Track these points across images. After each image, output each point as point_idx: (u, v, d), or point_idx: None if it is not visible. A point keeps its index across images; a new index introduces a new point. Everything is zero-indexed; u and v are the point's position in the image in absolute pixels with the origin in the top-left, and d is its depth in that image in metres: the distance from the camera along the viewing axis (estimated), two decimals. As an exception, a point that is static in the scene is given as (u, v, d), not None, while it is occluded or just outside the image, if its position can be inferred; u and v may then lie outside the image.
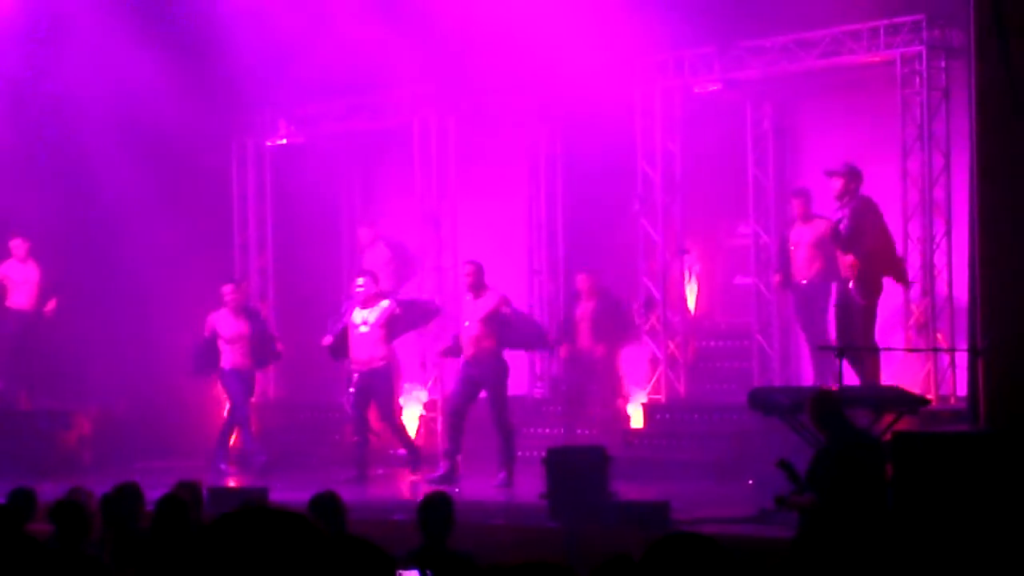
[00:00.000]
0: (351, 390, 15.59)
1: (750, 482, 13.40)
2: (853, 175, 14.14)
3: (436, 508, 8.32)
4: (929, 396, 13.26)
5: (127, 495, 8.75)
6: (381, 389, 15.37)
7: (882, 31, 14.97)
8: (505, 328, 14.78)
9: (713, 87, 16.13)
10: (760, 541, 10.26)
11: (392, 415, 15.64)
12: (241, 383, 16.32)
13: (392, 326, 15.52)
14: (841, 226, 14.01)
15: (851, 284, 13.95)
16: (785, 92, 16.52)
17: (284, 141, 19.36)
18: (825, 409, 9.65)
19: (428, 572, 6.86)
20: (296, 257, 18.89)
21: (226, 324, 16.31)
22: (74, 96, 17.43)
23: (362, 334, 15.37)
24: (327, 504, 8.44)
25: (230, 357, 16.31)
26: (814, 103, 16.77)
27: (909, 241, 14.81)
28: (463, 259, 16.34)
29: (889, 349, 13.91)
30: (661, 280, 16.67)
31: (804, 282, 15.41)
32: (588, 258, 17.76)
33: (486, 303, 14.87)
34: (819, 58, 15.46)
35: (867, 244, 13.97)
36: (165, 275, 17.25)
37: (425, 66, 17.16)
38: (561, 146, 18.51)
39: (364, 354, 15.39)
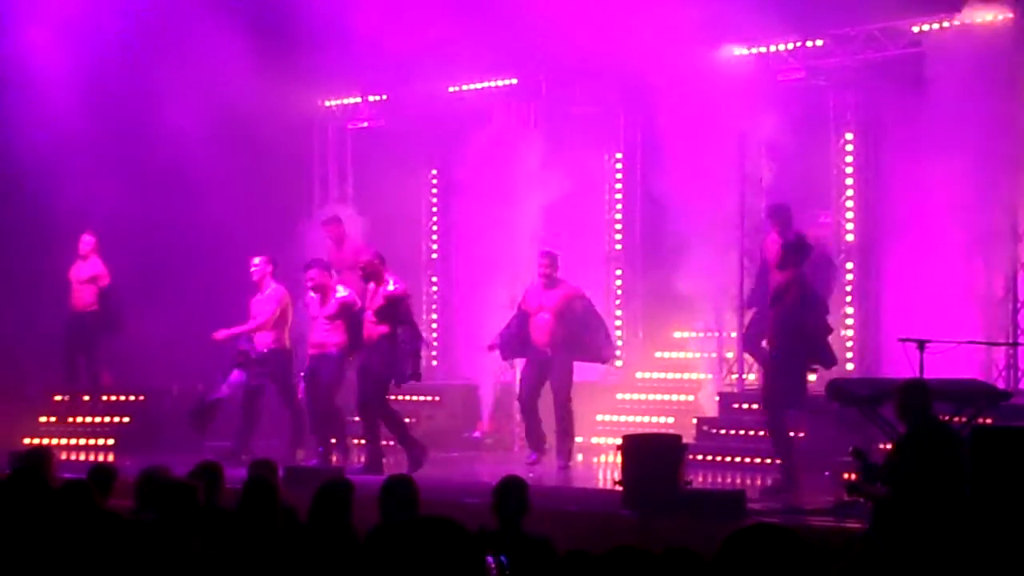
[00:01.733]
0: (301, 373, 15.54)
1: (826, 473, 13.36)
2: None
3: (511, 492, 8.34)
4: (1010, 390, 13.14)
5: (209, 473, 8.83)
6: (325, 375, 15.14)
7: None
8: (574, 324, 14.79)
9: (796, 76, 16.03)
10: (836, 532, 10.20)
11: (326, 401, 15.19)
12: None
13: (345, 314, 15.22)
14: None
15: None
16: (869, 81, 16.38)
17: (365, 124, 19.45)
18: (913, 399, 9.55)
19: (502, 558, 6.88)
20: (376, 241, 18.93)
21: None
22: (157, 82, 17.56)
23: (317, 320, 15.22)
24: (400, 487, 8.48)
25: None
26: (898, 92, 16.61)
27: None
28: (541, 247, 16.35)
29: (971, 342, 13.78)
30: (740, 267, 16.59)
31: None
32: (665, 244, 17.72)
33: (558, 294, 14.86)
34: (904, 47, 15.33)
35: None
36: (245, 258, 17.31)
37: (507, 52, 17.19)
38: (642, 135, 18.49)
39: (316, 339, 15.26)
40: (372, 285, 14.36)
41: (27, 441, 15.51)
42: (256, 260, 15.54)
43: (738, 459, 15.23)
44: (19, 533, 7.27)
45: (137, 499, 8.33)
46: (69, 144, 17.32)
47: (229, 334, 15.52)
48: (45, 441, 15.67)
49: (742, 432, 15.69)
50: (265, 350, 15.48)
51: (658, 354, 18.59)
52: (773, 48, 16.21)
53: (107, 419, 17.07)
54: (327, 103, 19.73)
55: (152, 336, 16.97)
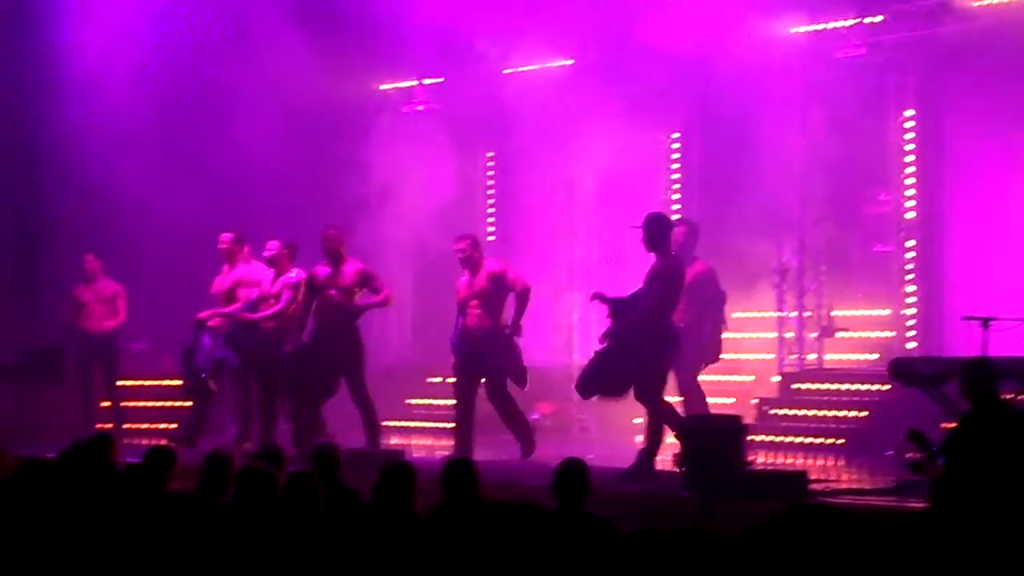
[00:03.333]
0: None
1: (888, 453, 13.26)
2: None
3: (572, 474, 8.32)
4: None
5: (271, 458, 8.85)
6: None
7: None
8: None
9: (856, 53, 15.89)
10: (899, 513, 10.12)
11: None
12: None
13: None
14: None
15: None
16: (929, 57, 16.22)
17: (421, 107, 19.45)
18: (977, 377, 9.45)
19: None
20: (433, 225, 18.92)
21: None
22: (215, 70, 17.63)
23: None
24: (461, 470, 8.47)
25: None
26: (958, 68, 16.44)
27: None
28: (597, 226, 16.28)
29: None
30: (799, 247, 16.49)
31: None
32: (723, 226, 17.64)
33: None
34: (964, 22, 15.17)
35: None
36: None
37: (563, 33, 17.14)
38: (699, 113, 18.40)
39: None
40: (468, 273, 13.99)
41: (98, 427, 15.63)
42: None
43: (799, 439, 15.17)
44: (84, 518, 7.31)
45: (203, 482, 8.34)
46: (130, 139, 17.43)
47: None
48: (107, 426, 15.75)
49: (803, 412, 15.62)
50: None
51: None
52: (832, 25, 16.08)
53: (167, 404, 17.15)
54: (383, 87, 19.74)
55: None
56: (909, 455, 10.68)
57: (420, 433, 17.46)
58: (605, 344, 12.68)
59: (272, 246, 14.69)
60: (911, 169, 16.53)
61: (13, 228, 18.26)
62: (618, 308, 12.78)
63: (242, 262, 15.06)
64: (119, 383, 16.85)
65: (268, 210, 16.04)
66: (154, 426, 16.94)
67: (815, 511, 3.87)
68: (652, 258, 12.63)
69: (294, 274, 14.50)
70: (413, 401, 18.45)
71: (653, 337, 12.47)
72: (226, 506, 7.53)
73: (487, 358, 13.88)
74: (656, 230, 12.68)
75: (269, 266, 14.67)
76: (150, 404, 17.43)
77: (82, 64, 17.57)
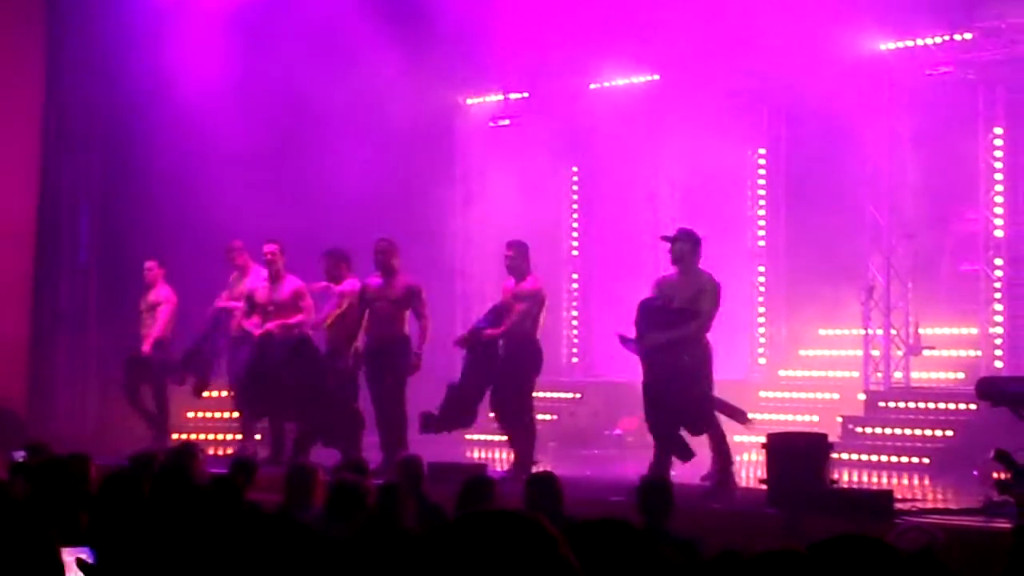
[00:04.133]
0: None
1: (975, 473, 13.13)
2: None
3: (656, 491, 8.33)
4: None
5: (355, 470, 8.92)
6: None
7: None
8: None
9: (945, 70, 15.77)
10: (986, 534, 10.02)
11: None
12: None
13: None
14: None
15: None
16: (1019, 74, 16.06)
17: (507, 122, 19.51)
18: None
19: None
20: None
21: None
22: (304, 85, 17.74)
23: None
24: (545, 485, 8.49)
25: None
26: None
27: None
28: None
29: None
30: (886, 265, 16.38)
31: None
32: (809, 241, 17.58)
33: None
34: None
35: None
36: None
37: (649, 48, 17.15)
38: (785, 128, 18.35)
39: None
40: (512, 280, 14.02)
41: (175, 437, 15.73)
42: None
43: (884, 458, 15.05)
44: (168, 530, 7.38)
45: (288, 495, 8.41)
46: (219, 153, 17.57)
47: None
48: (193, 436, 15.84)
49: (888, 431, 15.51)
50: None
51: (802, 352, 18.41)
52: (921, 42, 15.97)
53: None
54: (468, 101, 19.84)
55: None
56: (996, 475, 10.59)
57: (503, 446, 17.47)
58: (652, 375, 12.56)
59: (270, 249, 14.76)
60: (999, 187, 16.36)
61: (108, 247, 18.41)
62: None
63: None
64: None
65: (356, 225, 16.06)
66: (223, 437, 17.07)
67: (850, 542, 3.84)
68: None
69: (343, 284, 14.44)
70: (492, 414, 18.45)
71: (702, 357, 12.42)
72: (316, 520, 7.58)
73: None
74: (694, 243, 12.65)
75: (267, 268, 14.79)
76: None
77: (178, 87, 17.74)
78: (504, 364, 13.54)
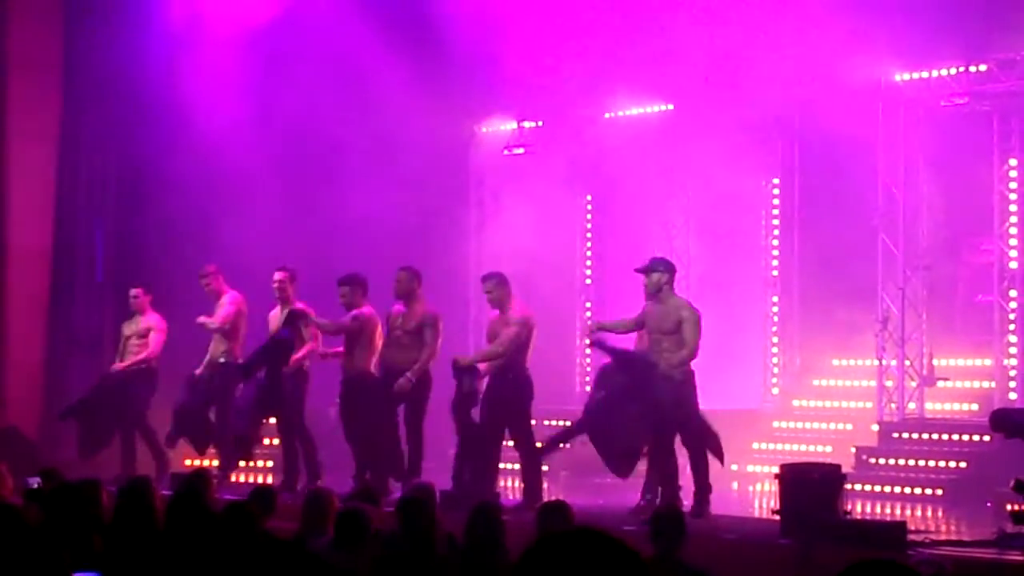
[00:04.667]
0: None
1: (988, 504, 13.11)
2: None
3: (668, 520, 8.32)
4: None
5: (365, 497, 8.93)
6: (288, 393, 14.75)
7: None
8: None
9: (960, 101, 15.78)
10: (1000, 565, 9.99)
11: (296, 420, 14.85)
12: None
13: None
14: None
15: None
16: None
17: (521, 150, 19.54)
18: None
19: None
20: (529, 267, 18.95)
21: None
22: (319, 111, 17.79)
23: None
24: (556, 513, 8.49)
25: None
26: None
27: None
28: (697, 272, 16.21)
29: None
30: (900, 296, 16.37)
31: None
32: (824, 271, 17.58)
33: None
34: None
35: None
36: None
37: (663, 78, 17.17)
38: (799, 159, 18.37)
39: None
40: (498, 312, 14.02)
41: (188, 463, 15.73)
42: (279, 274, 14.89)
43: (898, 489, 15.03)
44: (180, 557, 7.38)
45: (305, 522, 8.41)
46: (235, 178, 17.61)
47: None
48: (206, 463, 15.81)
49: (902, 462, 15.48)
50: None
51: (816, 382, 18.39)
52: (936, 73, 15.99)
53: (267, 441, 17.18)
54: (483, 129, 19.89)
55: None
56: (1011, 507, 10.57)
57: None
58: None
59: (279, 276, 14.73)
60: (1014, 219, 16.36)
61: (123, 272, 18.38)
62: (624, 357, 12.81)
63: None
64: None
65: (372, 254, 16.04)
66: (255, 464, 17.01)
67: (873, 568, 3.83)
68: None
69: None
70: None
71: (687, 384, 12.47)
72: (327, 547, 7.59)
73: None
74: (670, 272, 12.73)
75: (278, 295, 14.76)
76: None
77: (195, 112, 17.80)
78: (500, 395, 13.52)
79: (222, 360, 15.27)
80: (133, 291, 16.00)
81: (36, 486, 9.92)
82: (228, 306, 15.28)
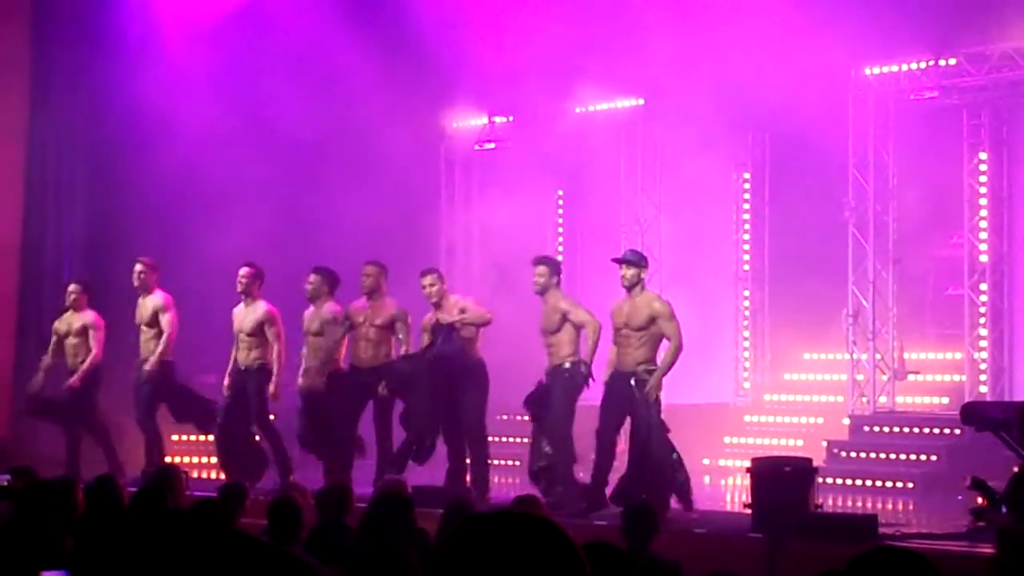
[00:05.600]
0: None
1: (959, 498, 13.14)
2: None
3: (641, 515, 8.32)
4: None
5: (339, 493, 8.91)
6: (251, 391, 14.65)
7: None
8: None
9: (930, 95, 15.83)
10: (970, 559, 10.02)
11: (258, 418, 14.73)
12: None
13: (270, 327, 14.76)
14: None
15: None
16: (1003, 100, 16.15)
17: (492, 145, 19.53)
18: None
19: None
20: (500, 262, 18.93)
21: None
22: (288, 105, 17.72)
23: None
24: (525, 507, 8.48)
25: None
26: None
27: None
28: (668, 265, 16.20)
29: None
30: (871, 289, 16.41)
31: None
32: (794, 266, 17.61)
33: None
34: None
35: None
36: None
37: (633, 73, 17.19)
38: (769, 153, 18.41)
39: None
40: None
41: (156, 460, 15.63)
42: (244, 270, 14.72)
43: (869, 482, 15.07)
44: (145, 554, 7.35)
45: (271, 520, 8.39)
46: (207, 173, 17.54)
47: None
48: (180, 459, 15.72)
49: (873, 455, 15.53)
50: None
51: (787, 376, 18.43)
52: (906, 67, 16.03)
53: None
54: (454, 124, 19.86)
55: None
56: (979, 500, 10.60)
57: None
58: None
59: (245, 272, 14.60)
60: (984, 212, 16.43)
61: (93, 268, 18.24)
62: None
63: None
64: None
65: (346, 251, 15.98)
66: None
67: (892, 554, 3.84)
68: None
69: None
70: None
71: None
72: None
73: None
74: (643, 266, 12.73)
75: (242, 291, 14.62)
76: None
77: (164, 109, 17.70)
78: (460, 384, 13.57)
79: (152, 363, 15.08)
80: (72, 287, 15.66)
81: (6, 483, 9.88)
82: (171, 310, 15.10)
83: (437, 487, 13.16)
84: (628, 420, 12.70)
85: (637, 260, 12.76)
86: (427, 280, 13.69)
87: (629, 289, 12.61)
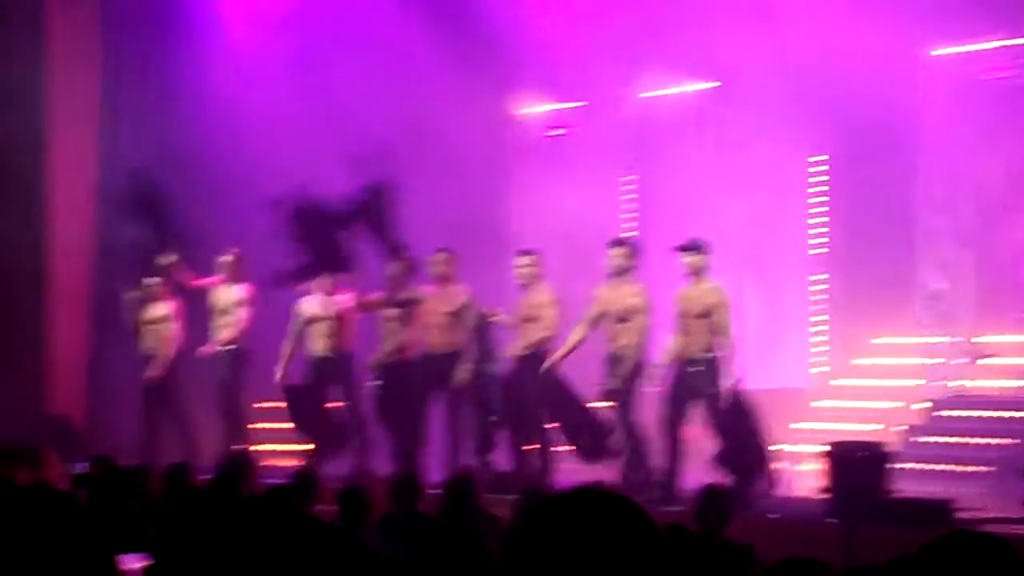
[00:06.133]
0: None
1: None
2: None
3: (714, 500, 8.30)
4: None
5: (410, 480, 8.94)
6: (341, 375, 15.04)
7: None
8: None
9: (1002, 74, 15.65)
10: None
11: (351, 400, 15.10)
12: None
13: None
14: None
15: None
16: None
17: (562, 131, 19.49)
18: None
19: None
20: (569, 250, 18.87)
21: None
22: (357, 92, 17.76)
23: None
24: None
25: None
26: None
27: None
28: (740, 251, 16.12)
29: None
30: (946, 272, 16.25)
31: None
32: (866, 249, 17.46)
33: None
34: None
35: None
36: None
37: (705, 56, 17.11)
38: (840, 135, 18.25)
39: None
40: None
41: (233, 448, 15.76)
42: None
43: (945, 467, 14.93)
44: (217, 542, 7.39)
45: (342, 506, 8.44)
46: (276, 160, 17.61)
47: None
48: (257, 447, 15.84)
49: (949, 439, 15.38)
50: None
51: (859, 360, 18.29)
52: (978, 47, 15.86)
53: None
54: (522, 111, 19.82)
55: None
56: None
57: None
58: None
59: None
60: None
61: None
62: None
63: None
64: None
65: (413, 239, 16.03)
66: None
67: (969, 539, 3.80)
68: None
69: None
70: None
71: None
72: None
73: None
74: (705, 253, 12.75)
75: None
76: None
77: (232, 106, 17.82)
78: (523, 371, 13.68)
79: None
80: (150, 277, 16.05)
81: (84, 471, 9.98)
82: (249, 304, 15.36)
83: (508, 473, 13.20)
84: (695, 408, 12.73)
85: (698, 247, 12.76)
86: (524, 260, 13.76)
87: (691, 277, 12.61)
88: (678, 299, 12.74)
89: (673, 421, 12.76)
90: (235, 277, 15.42)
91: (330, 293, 14.87)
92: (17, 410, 16.98)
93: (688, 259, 12.67)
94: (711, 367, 12.50)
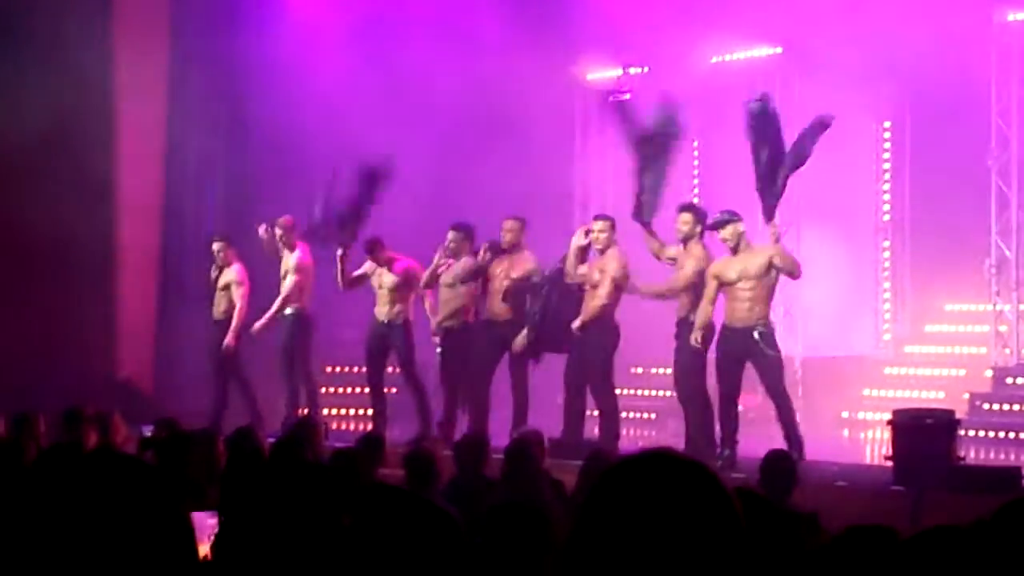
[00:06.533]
0: None
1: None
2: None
3: (779, 467, 8.26)
4: None
5: (475, 444, 8.95)
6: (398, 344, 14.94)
7: None
8: None
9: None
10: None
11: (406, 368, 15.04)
12: None
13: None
14: None
15: None
16: None
17: (627, 96, 19.39)
18: None
19: None
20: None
21: None
22: (421, 59, 17.75)
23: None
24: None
25: None
26: None
27: None
28: (807, 217, 16.00)
29: None
30: (1014, 238, 16.09)
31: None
32: (935, 216, 17.31)
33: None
34: None
35: None
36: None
37: (771, 21, 16.97)
38: (909, 101, 18.06)
39: None
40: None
41: (300, 412, 15.83)
42: None
43: (1012, 435, 14.81)
44: (285, 505, 7.43)
45: (409, 470, 8.46)
46: (342, 129, 17.61)
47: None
48: (324, 411, 15.92)
49: (1017, 407, 15.25)
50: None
51: (928, 327, 18.16)
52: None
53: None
54: (588, 76, 19.75)
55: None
56: None
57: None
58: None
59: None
60: None
61: (233, 221, 18.42)
62: None
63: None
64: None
65: (471, 203, 16.01)
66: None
67: None
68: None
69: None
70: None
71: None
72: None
73: None
74: (737, 220, 12.70)
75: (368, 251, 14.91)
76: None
77: (302, 75, 17.87)
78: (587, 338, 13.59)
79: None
80: (216, 244, 16.08)
81: (150, 434, 10.06)
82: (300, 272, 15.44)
83: (574, 440, 13.17)
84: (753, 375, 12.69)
85: (729, 218, 12.69)
86: (599, 225, 13.70)
87: (734, 250, 12.54)
88: (722, 271, 12.64)
89: (732, 392, 12.70)
90: (289, 244, 15.45)
91: (390, 261, 14.85)
92: (86, 375, 17.13)
93: (724, 232, 12.60)
94: (767, 333, 12.42)
